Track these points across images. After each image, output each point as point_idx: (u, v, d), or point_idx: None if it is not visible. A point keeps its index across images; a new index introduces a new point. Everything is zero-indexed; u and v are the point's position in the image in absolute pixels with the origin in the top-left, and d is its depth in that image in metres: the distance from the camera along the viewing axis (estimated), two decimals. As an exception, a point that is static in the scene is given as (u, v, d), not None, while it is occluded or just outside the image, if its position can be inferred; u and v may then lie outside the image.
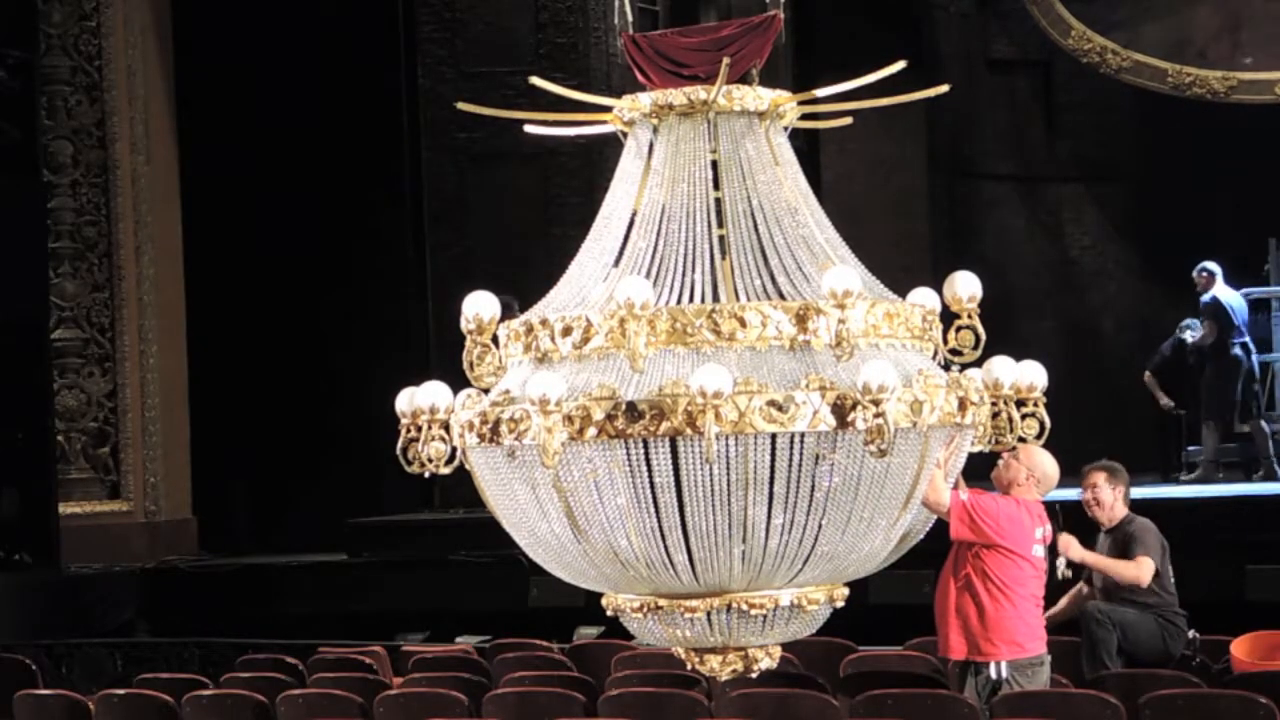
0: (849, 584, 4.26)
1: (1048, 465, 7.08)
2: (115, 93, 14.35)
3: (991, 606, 6.91)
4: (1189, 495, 12.90)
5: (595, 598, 4.36)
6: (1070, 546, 7.82)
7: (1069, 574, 7.85)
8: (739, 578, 3.98)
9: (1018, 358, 4.60)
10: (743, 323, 3.95)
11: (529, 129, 4.72)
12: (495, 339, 4.20)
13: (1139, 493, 12.66)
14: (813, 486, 3.88)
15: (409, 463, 4.17)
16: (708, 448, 3.77)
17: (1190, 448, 13.90)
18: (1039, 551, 7.03)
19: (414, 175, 14.54)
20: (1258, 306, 14.25)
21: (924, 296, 4.29)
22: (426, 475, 4.14)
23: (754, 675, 4.25)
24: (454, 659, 9.07)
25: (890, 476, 3.96)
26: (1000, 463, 7.01)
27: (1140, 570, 7.88)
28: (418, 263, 14.47)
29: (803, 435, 3.86)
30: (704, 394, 3.74)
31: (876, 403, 3.77)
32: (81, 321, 14.32)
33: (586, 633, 10.78)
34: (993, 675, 6.91)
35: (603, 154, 12.76)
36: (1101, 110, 17.75)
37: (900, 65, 4.47)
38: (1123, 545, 7.95)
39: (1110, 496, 8.01)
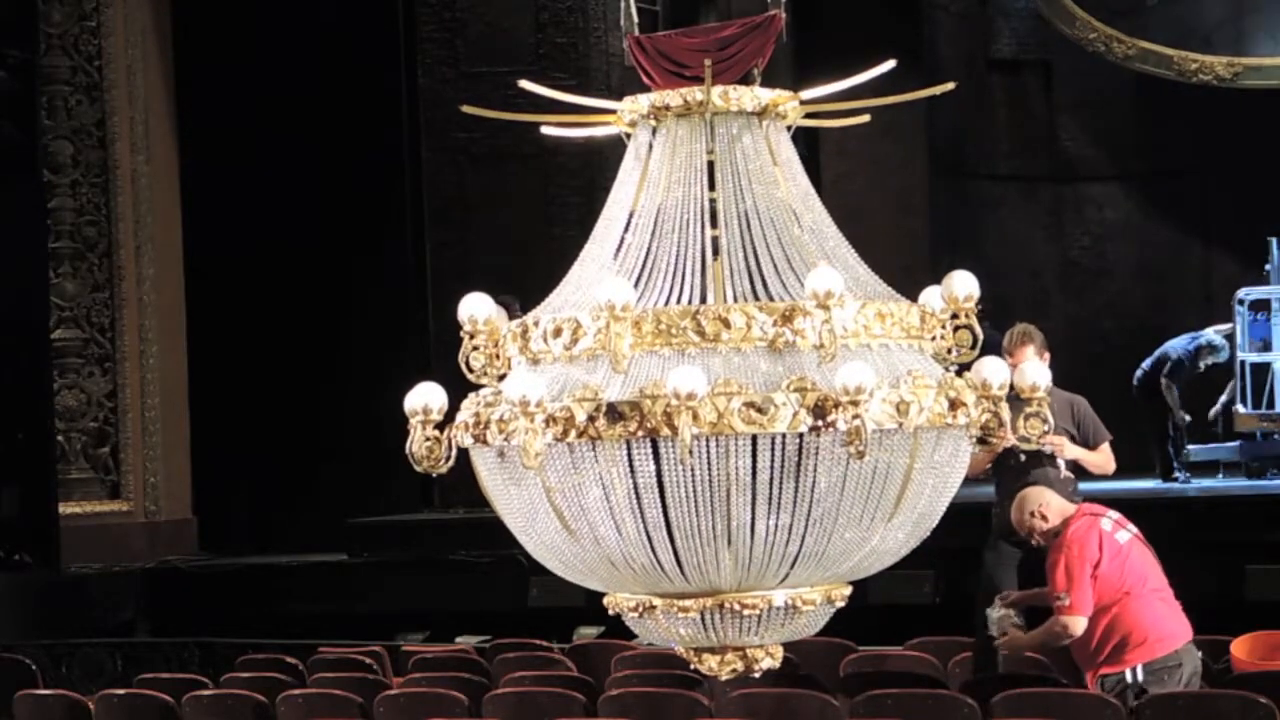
0: (849, 583, 4.26)
1: (1048, 496, 7.21)
2: (115, 93, 14.35)
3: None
4: (1189, 495, 12.91)
5: (595, 598, 4.36)
6: (1065, 447, 7.89)
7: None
8: (728, 578, 3.99)
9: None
10: (727, 324, 3.96)
11: (544, 130, 4.73)
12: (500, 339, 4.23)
13: (1140, 490, 12.75)
14: (796, 487, 3.89)
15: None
16: (682, 449, 3.79)
17: (1191, 448, 13.90)
18: (1122, 537, 7.08)
19: (414, 175, 14.54)
20: (1258, 306, 14.24)
21: (933, 296, 4.28)
22: (434, 475, 4.17)
23: (756, 675, 4.25)
24: (454, 659, 9.07)
25: (877, 477, 3.96)
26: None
27: (1112, 459, 8.18)
28: (418, 263, 14.46)
29: (784, 437, 3.87)
30: (678, 395, 3.77)
31: (854, 404, 3.77)
32: (81, 321, 14.32)
33: (586, 633, 10.78)
34: (1127, 680, 6.94)
35: (603, 154, 12.77)
36: (1102, 110, 17.78)
37: (890, 64, 4.47)
38: (1080, 429, 8.11)
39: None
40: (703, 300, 4.07)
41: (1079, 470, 8.16)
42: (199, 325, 14.82)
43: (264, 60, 14.52)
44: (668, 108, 4.23)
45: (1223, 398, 14.18)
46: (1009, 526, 7.91)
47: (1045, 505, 7.16)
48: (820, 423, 3.84)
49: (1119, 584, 6.98)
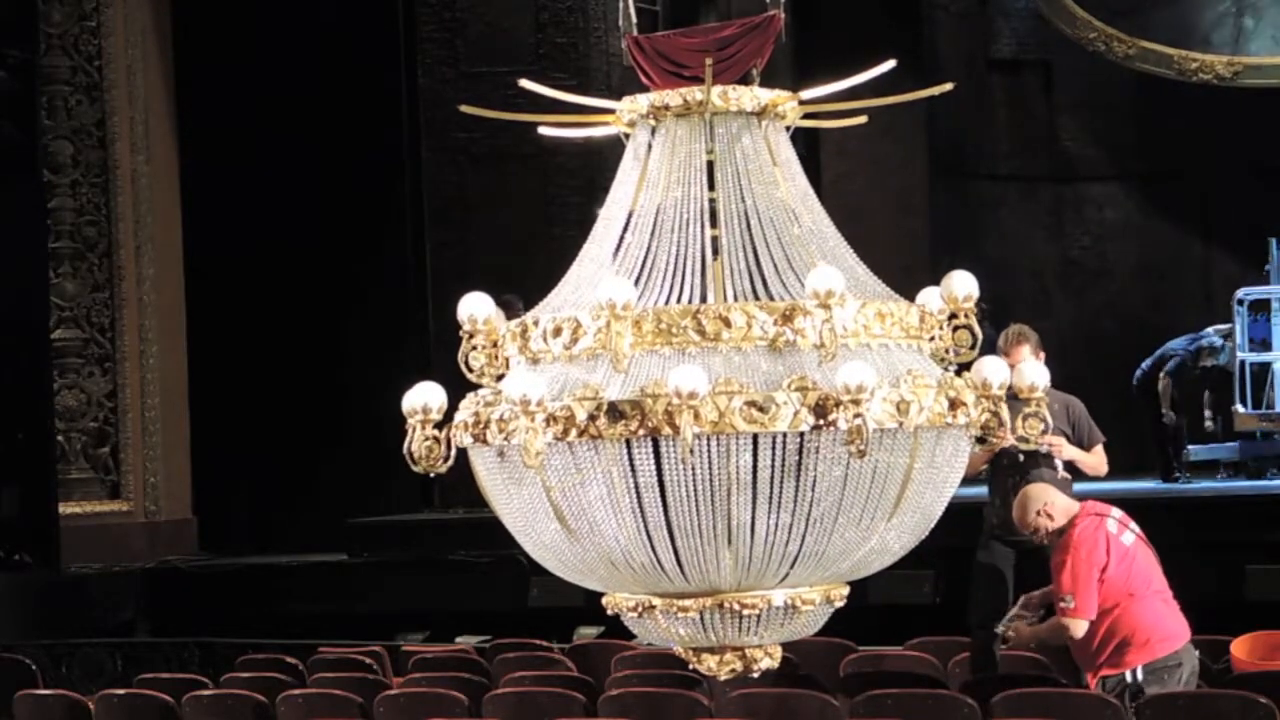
0: (849, 583, 4.26)
1: (1053, 495, 7.18)
2: (115, 93, 14.35)
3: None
4: (1189, 495, 12.91)
5: (595, 598, 4.36)
6: (1063, 448, 7.88)
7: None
8: (728, 578, 3.99)
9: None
10: (727, 323, 3.96)
11: (542, 130, 4.73)
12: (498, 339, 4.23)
13: (1140, 490, 12.75)
14: (797, 487, 3.89)
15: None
16: (683, 448, 3.79)
17: (1191, 448, 13.91)
18: (1128, 540, 7.05)
19: (414, 175, 14.54)
20: (1258, 306, 14.25)
21: (932, 296, 4.28)
22: (433, 475, 4.17)
23: (755, 675, 4.25)
24: (454, 659, 9.08)
25: (877, 477, 3.96)
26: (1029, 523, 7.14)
27: (1105, 461, 8.17)
28: (418, 263, 14.47)
29: (785, 436, 3.87)
30: (679, 394, 3.77)
31: (855, 403, 3.77)
32: (81, 321, 14.32)
33: (586, 633, 10.78)
34: (1127, 680, 6.91)
35: (602, 154, 12.78)
36: (1102, 110, 17.78)
37: (890, 64, 4.47)
38: (1075, 430, 8.11)
39: None
40: (703, 300, 4.07)
41: (1074, 471, 8.16)
42: (199, 325, 14.82)
43: (264, 60, 14.52)
44: (667, 108, 4.23)
45: (1207, 412, 14.21)
46: (1003, 526, 7.92)
47: (1051, 504, 7.13)
48: (821, 422, 3.84)
49: (1124, 587, 6.97)
